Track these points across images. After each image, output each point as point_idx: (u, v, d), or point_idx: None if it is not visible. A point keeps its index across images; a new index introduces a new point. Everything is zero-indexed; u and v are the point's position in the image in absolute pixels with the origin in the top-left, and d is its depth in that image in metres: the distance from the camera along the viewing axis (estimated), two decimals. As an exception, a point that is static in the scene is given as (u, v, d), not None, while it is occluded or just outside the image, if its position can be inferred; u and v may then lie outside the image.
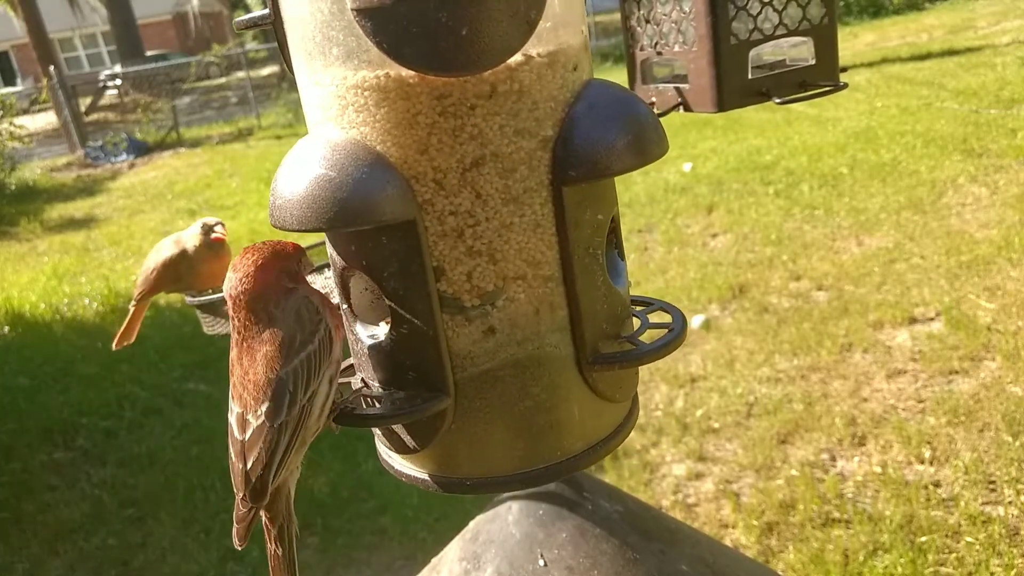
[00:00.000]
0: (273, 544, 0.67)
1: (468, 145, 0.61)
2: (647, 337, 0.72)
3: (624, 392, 0.73)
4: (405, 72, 0.59)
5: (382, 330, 0.68)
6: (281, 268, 0.67)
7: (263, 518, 0.67)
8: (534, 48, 0.61)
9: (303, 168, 0.61)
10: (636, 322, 0.76)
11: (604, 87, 0.66)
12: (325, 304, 0.67)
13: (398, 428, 0.70)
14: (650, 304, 0.80)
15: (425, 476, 0.71)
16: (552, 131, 0.63)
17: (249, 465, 0.64)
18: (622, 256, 0.75)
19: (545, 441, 0.68)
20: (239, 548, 0.65)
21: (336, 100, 0.63)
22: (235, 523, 0.65)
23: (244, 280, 0.66)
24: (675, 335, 0.71)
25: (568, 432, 0.69)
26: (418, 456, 0.71)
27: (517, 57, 0.60)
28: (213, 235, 1.27)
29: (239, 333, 0.66)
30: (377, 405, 0.69)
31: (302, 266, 0.69)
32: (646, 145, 0.64)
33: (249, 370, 0.64)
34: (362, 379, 0.72)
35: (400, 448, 0.72)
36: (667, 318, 0.76)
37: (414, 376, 0.66)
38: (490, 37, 0.57)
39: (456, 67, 0.57)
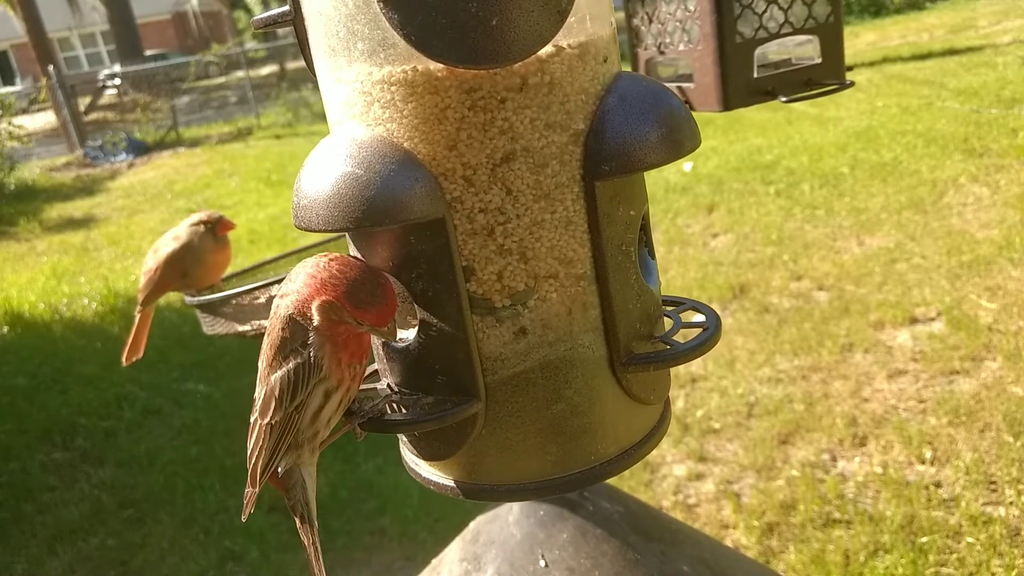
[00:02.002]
0: (301, 529, 0.70)
1: (498, 140, 0.59)
2: (680, 337, 0.70)
3: (658, 394, 0.71)
4: (433, 65, 0.57)
5: (409, 333, 0.66)
6: (323, 304, 0.63)
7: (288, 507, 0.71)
8: (564, 39, 0.60)
9: (328, 167, 0.59)
10: (668, 322, 0.74)
11: (635, 79, 0.64)
12: (324, 334, 0.64)
13: (426, 434, 0.67)
14: (680, 303, 0.78)
15: (453, 483, 0.69)
16: (583, 124, 0.61)
17: (248, 451, 0.67)
18: (652, 254, 0.73)
19: (578, 445, 0.66)
20: (243, 519, 0.70)
21: (361, 97, 0.61)
22: (244, 498, 0.69)
23: (295, 278, 0.64)
24: (710, 334, 0.68)
25: (602, 436, 0.67)
26: (447, 463, 0.69)
27: (548, 48, 0.58)
28: (222, 226, 1.26)
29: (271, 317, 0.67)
30: (404, 411, 0.67)
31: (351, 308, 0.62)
32: (680, 138, 0.62)
33: (261, 361, 0.66)
34: (388, 384, 0.70)
35: (428, 455, 0.70)
36: (699, 317, 0.74)
37: (443, 380, 0.64)
38: (521, 27, 0.55)
39: (486, 59, 0.55)
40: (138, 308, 1.32)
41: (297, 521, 0.70)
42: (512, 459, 0.66)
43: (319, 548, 0.71)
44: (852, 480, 2.64)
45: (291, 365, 0.63)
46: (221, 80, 22.53)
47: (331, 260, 0.63)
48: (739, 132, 7.49)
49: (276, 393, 0.64)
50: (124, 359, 1.32)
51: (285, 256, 1.36)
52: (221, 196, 9.37)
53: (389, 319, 0.62)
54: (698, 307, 0.76)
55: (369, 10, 0.57)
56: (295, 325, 0.64)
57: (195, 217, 1.28)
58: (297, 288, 0.64)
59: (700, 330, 0.70)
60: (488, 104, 0.58)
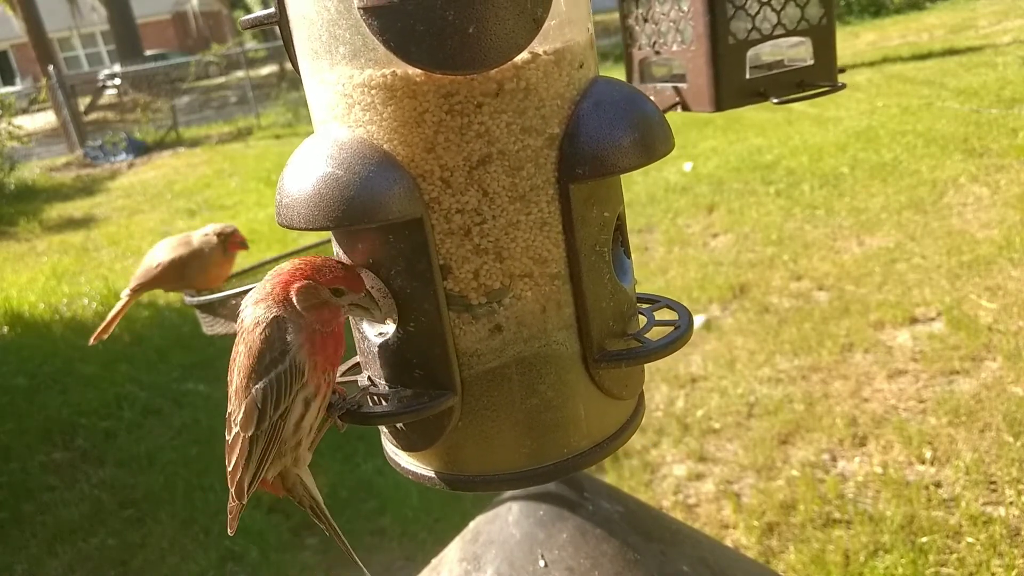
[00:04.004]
0: (315, 520, 0.74)
1: (475, 143, 0.61)
2: (653, 335, 0.72)
3: (630, 390, 0.73)
4: (412, 70, 0.59)
5: (389, 328, 0.68)
6: (300, 287, 0.65)
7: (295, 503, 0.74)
8: (540, 46, 0.61)
9: (310, 167, 0.61)
10: (642, 320, 0.77)
11: (610, 85, 0.66)
12: (304, 332, 0.66)
13: (405, 426, 0.70)
14: (655, 301, 0.80)
15: (431, 474, 0.72)
16: (559, 129, 0.63)
17: (230, 467, 0.67)
18: (628, 254, 0.75)
19: (551, 439, 0.69)
20: (230, 534, 0.70)
21: (342, 99, 0.63)
22: (228, 513, 0.70)
23: (262, 286, 0.67)
24: (681, 332, 0.71)
25: (575, 430, 0.69)
26: (425, 454, 0.72)
27: (524, 55, 0.60)
28: (233, 242, 1.29)
29: (238, 333, 0.68)
30: (384, 403, 0.69)
31: (336, 292, 0.66)
32: (653, 143, 0.64)
33: (233, 376, 0.67)
34: (368, 377, 0.72)
35: (407, 446, 0.72)
36: (673, 315, 0.76)
37: (421, 374, 0.66)
38: (497, 35, 0.57)
39: (463, 65, 0.57)
40: (125, 294, 1.34)
41: (309, 512, 0.73)
42: (488, 451, 0.69)
43: (337, 529, 0.73)
44: (852, 480, 2.64)
45: (273, 374, 0.65)
46: (221, 80, 22.54)
47: (292, 262, 0.67)
48: (739, 132, 7.50)
49: (259, 403, 0.65)
50: (92, 338, 1.34)
51: (285, 256, 1.36)
52: (221, 196, 9.37)
53: (361, 282, 0.65)
54: (672, 305, 0.78)
55: (350, 15, 0.59)
56: (273, 331, 0.65)
57: (211, 227, 1.30)
58: (269, 291, 0.67)
59: (672, 328, 0.72)
60: (465, 108, 0.60)
